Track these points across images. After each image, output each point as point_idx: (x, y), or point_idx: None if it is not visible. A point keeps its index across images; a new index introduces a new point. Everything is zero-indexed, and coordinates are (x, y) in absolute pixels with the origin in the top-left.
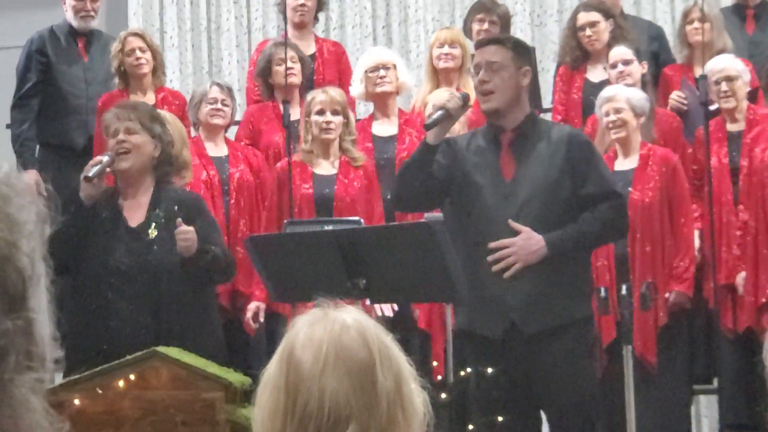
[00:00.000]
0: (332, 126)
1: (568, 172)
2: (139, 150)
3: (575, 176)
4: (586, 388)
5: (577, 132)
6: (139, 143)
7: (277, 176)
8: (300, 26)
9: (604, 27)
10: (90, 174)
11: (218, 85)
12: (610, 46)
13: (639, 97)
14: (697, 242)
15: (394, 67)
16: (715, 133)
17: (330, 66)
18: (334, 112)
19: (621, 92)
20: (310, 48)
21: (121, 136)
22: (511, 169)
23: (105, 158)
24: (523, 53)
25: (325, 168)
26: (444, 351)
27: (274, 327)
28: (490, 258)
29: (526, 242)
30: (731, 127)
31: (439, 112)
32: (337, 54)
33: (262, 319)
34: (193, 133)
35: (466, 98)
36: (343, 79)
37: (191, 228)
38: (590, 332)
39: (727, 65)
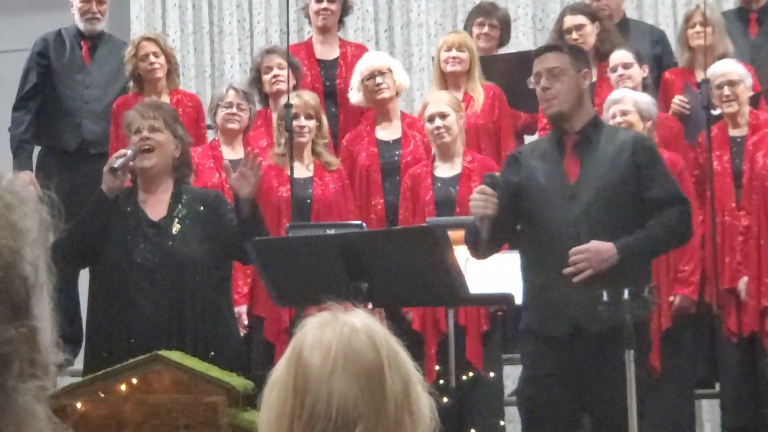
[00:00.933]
0: (305, 130)
1: (633, 175)
2: (162, 148)
3: (640, 180)
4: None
5: (642, 136)
6: (163, 141)
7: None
8: (323, 30)
9: (590, 30)
10: (115, 165)
11: (234, 89)
12: (596, 49)
13: (647, 101)
14: None
15: (390, 71)
16: (718, 138)
17: (352, 69)
18: (308, 117)
19: (629, 95)
20: (334, 52)
21: (145, 134)
22: (575, 172)
23: (129, 152)
24: (581, 56)
25: (300, 171)
26: (437, 354)
27: (254, 330)
28: (570, 261)
29: (598, 249)
30: (734, 131)
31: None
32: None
33: (246, 322)
34: (211, 137)
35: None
36: None
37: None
38: (649, 335)
39: (729, 70)
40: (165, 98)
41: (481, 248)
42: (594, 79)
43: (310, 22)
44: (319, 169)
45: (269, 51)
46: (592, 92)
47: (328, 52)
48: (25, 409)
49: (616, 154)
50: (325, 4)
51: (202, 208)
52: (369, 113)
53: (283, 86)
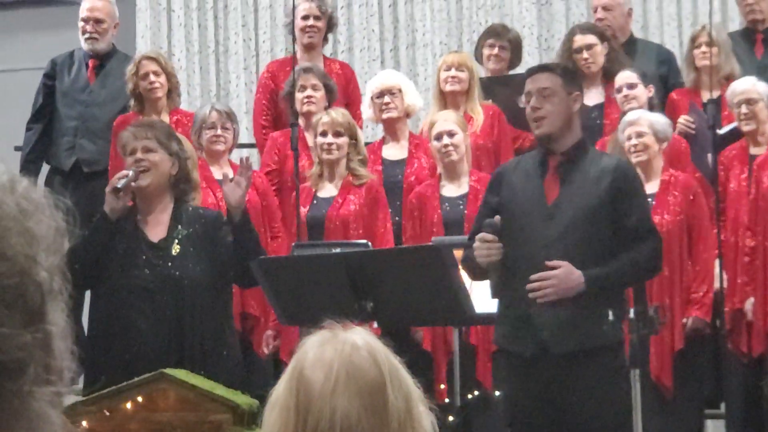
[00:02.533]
0: (333, 147)
1: (610, 201)
2: (157, 168)
3: (617, 206)
4: (615, 414)
5: (625, 163)
6: (157, 161)
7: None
8: (309, 47)
9: (600, 50)
10: (119, 185)
11: (216, 110)
12: (604, 69)
13: (662, 122)
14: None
15: (400, 91)
16: (738, 157)
17: (337, 89)
18: (336, 134)
19: (644, 116)
20: None
21: (139, 155)
22: (555, 193)
23: (130, 172)
24: (573, 79)
25: (329, 190)
26: (448, 373)
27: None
28: (528, 286)
29: (567, 276)
30: (754, 150)
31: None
32: (346, 76)
33: (273, 343)
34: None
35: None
36: (351, 101)
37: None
38: (622, 356)
39: (748, 88)
40: (165, 118)
41: (479, 276)
42: (602, 99)
43: (294, 40)
44: (345, 187)
45: (306, 70)
46: (601, 112)
47: None
48: (40, 414)
49: (598, 178)
50: (311, 22)
51: (202, 228)
52: None
53: (314, 108)
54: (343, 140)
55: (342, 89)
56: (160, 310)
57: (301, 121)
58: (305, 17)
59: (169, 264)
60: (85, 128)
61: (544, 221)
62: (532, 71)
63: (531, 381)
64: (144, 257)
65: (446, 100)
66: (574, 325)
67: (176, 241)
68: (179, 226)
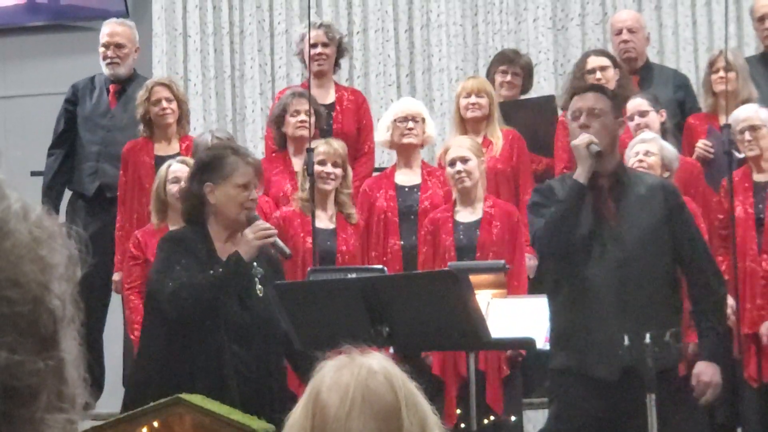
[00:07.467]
0: (332, 177)
1: (667, 217)
2: None
3: (672, 223)
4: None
5: (668, 181)
6: None
7: (277, 225)
8: (319, 75)
9: (613, 74)
10: (288, 252)
11: (217, 137)
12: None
13: (673, 151)
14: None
15: (423, 120)
16: (741, 183)
17: (349, 115)
18: (335, 165)
19: (658, 140)
20: (329, 96)
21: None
22: (613, 213)
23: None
24: (618, 105)
25: (323, 222)
26: (457, 398)
27: None
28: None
29: (704, 374)
30: (758, 176)
31: (596, 147)
32: (357, 103)
33: None
34: None
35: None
36: (361, 128)
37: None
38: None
39: (751, 114)
40: (174, 144)
41: (564, 221)
42: None
43: (306, 67)
44: (341, 222)
45: (300, 95)
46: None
47: (324, 96)
48: None
49: (650, 196)
50: (320, 49)
51: (269, 268)
52: (363, 159)
53: (306, 132)
54: (339, 171)
55: (353, 116)
56: (250, 348)
57: (290, 146)
58: (313, 45)
59: (259, 305)
60: (107, 153)
61: (613, 242)
62: (581, 90)
63: (614, 404)
64: (234, 297)
65: (466, 126)
66: (657, 345)
67: (257, 280)
68: (254, 264)
